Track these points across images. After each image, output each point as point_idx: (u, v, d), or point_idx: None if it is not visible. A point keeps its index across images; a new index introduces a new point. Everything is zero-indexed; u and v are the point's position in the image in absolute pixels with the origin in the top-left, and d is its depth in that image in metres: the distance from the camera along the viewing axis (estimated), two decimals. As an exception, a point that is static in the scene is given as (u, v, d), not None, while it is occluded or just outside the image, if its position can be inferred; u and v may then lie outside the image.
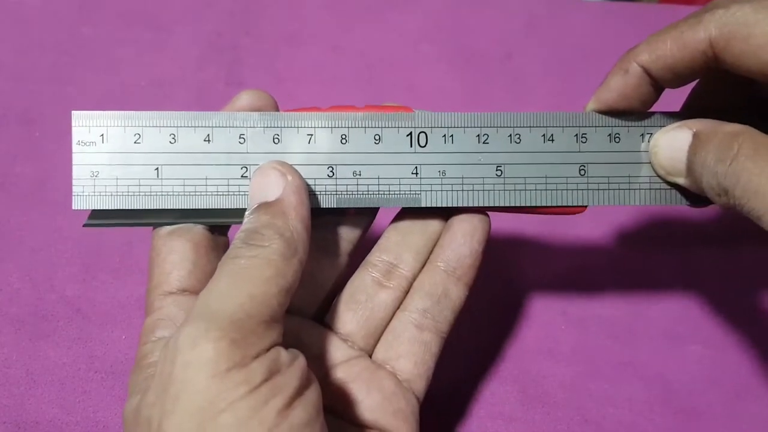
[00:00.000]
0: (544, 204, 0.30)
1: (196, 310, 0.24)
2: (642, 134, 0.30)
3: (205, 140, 0.29)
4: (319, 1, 0.50)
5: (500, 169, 0.30)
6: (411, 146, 0.30)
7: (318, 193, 0.29)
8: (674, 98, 0.31)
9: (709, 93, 0.31)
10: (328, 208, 0.29)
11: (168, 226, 0.29)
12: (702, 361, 0.40)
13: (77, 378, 0.37)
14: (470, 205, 0.30)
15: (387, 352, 0.31)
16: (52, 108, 0.44)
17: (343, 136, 0.29)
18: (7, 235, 0.40)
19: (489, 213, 0.31)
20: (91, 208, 0.29)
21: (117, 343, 0.38)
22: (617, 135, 0.30)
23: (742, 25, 0.25)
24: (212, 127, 0.29)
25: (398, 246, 0.32)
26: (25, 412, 0.36)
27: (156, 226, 0.29)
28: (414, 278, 0.32)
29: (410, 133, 0.30)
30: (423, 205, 0.30)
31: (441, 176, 0.30)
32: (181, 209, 0.29)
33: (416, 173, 0.30)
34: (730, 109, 0.30)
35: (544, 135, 0.30)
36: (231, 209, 0.29)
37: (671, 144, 0.29)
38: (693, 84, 0.31)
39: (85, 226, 0.29)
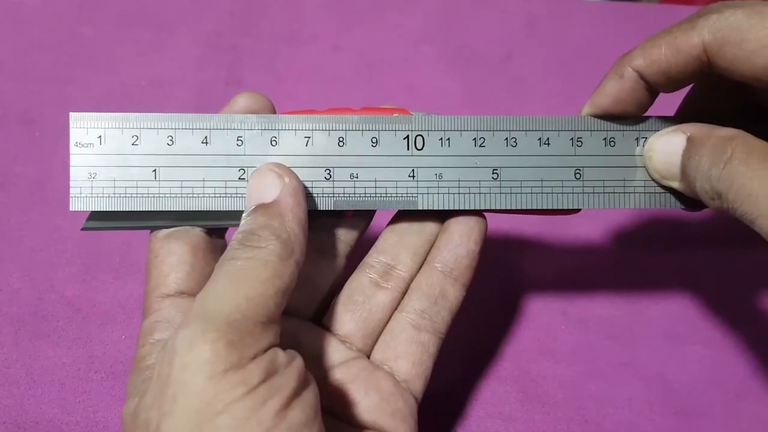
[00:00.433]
0: (539, 207, 0.30)
1: (194, 311, 0.24)
2: (637, 138, 0.30)
3: (202, 142, 0.29)
4: (319, 1, 0.50)
5: (496, 173, 0.30)
6: (408, 149, 0.30)
7: (315, 195, 0.29)
8: (669, 103, 0.31)
9: (703, 97, 0.31)
10: (326, 210, 0.30)
11: (165, 229, 0.29)
12: (702, 361, 0.40)
13: (77, 378, 0.37)
14: (466, 207, 0.30)
15: (385, 352, 0.31)
16: (52, 108, 0.44)
17: (341, 139, 0.29)
18: (7, 235, 0.40)
19: (486, 214, 0.31)
20: (88, 210, 0.29)
21: (117, 343, 0.38)
22: (612, 139, 0.30)
23: (735, 30, 0.25)
24: (210, 129, 0.29)
25: (395, 247, 0.32)
26: (25, 412, 0.36)
27: (154, 229, 0.29)
28: (411, 279, 0.32)
29: (407, 136, 0.30)
30: (420, 207, 0.30)
31: (438, 179, 0.30)
32: (179, 211, 0.29)
33: (413, 176, 0.30)
34: (723, 113, 0.30)
35: (539, 139, 0.30)
36: (228, 211, 0.29)
37: (665, 148, 0.29)
38: (687, 89, 0.31)
39: (83, 229, 0.29)
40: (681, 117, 0.30)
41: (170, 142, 0.29)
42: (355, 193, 0.29)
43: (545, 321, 0.40)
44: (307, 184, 0.29)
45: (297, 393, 0.24)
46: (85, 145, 0.29)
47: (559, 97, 0.47)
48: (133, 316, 0.39)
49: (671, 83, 0.28)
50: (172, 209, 0.29)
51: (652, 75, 0.28)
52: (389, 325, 0.31)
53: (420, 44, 0.49)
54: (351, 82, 0.47)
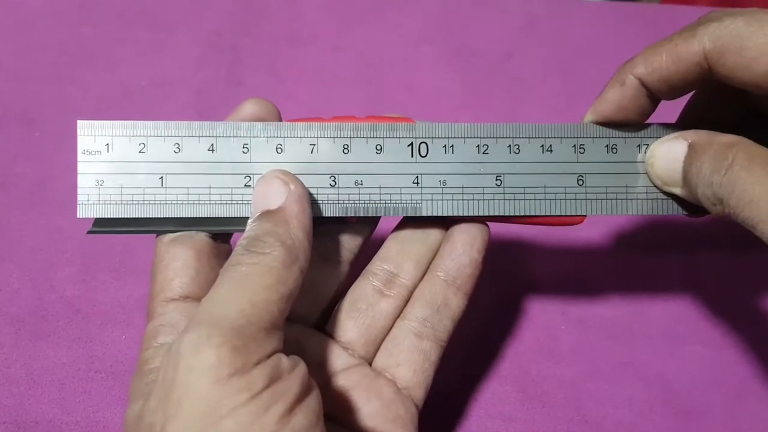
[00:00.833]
0: (542, 213, 0.30)
1: (198, 316, 0.24)
2: (639, 145, 0.30)
3: (209, 150, 0.29)
4: (319, 1, 0.50)
5: (500, 179, 0.30)
6: (412, 156, 0.30)
7: (320, 201, 0.29)
8: (670, 110, 0.31)
9: (705, 104, 0.32)
10: (330, 217, 0.30)
11: (171, 234, 0.29)
12: (702, 361, 0.40)
13: (77, 378, 0.37)
14: (470, 214, 0.30)
15: (387, 360, 0.31)
16: (52, 108, 0.44)
17: (345, 146, 0.29)
18: (7, 235, 0.40)
19: (489, 223, 0.31)
20: (95, 216, 0.29)
21: (117, 344, 0.38)
22: (614, 146, 0.30)
23: (735, 38, 0.26)
24: (216, 136, 0.29)
25: (399, 255, 0.32)
26: (25, 412, 0.36)
27: (159, 233, 0.29)
28: (414, 287, 0.32)
29: (411, 143, 0.30)
30: (423, 214, 0.30)
31: (441, 186, 0.30)
32: (184, 217, 0.29)
33: (417, 183, 0.30)
34: (725, 120, 0.31)
35: (542, 146, 0.30)
36: (234, 218, 0.29)
37: (667, 155, 0.29)
38: (689, 96, 0.31)
39: (89, 233, 0.29)
40: (682, 124, 0.30)
41: (177, 150, 0.29)
42: (359, 200, 0.30)
43: (545, 321, 0.40)
44: (312, 191, 0.29)
45: (300, 399, 0.24)
46: (93, 153, 0.29)
47: (559, 97, 0.47)
48: (133, 316, 0.39)
49: (672, 90, 0.28)
50: (178, 216, 0.29)
51: (653, 82, 0.28)
52: (391, 333, 0.31)
53: (420, 44, 0.49)
54: (351, 82, 0.47)
